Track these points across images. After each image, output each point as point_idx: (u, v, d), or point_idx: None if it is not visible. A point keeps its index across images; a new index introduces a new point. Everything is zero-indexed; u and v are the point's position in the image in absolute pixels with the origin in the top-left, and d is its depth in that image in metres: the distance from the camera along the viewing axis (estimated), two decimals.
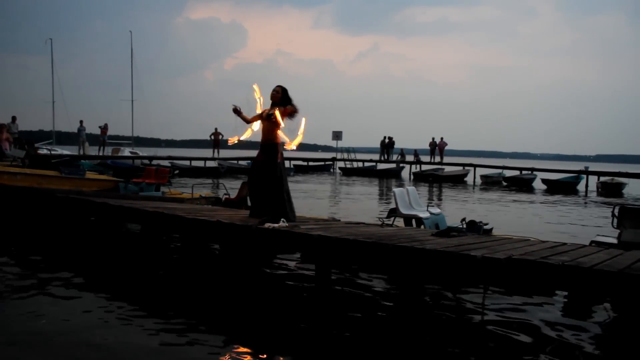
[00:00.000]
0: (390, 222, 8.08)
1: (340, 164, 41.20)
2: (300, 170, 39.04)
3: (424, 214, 8.35)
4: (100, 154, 31.23)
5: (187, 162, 32.88)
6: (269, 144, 7.08)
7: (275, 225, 6.00)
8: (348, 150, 43.28)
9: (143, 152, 35.03)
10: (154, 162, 29.95)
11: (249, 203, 9.58)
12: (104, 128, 32.26)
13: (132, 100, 39.71)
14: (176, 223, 6.88)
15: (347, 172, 38.73)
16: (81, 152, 29.96)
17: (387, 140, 40.85)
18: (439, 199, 21.74)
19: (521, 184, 31.96)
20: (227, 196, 10.85)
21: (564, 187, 30.14)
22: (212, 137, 33.06)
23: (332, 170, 41.82)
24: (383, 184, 30.47)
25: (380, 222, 7.26)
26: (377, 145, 41.89)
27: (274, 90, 7.14)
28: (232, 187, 21.60)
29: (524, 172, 34.75)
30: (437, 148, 39.52)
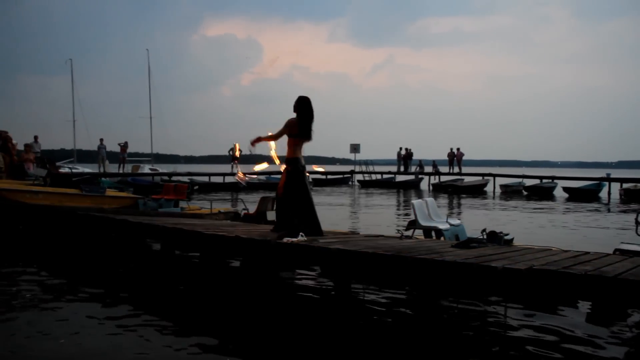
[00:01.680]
0: (410, 234, 8.02)
1: (359, 177, 41.15)
2: (319, 183, 39.03)
3: (443, 225, 8.28)
4: (121, 171, 31.59)
5: (206, 178, 33.14)
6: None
7: (294, 239, 5.99)
8: (366, 162, 43.25)
9: (162, 168, 35.39)
10: (173, 178, 30.23)
11: (270, 217, 9.65)
12: (124, 146, 32.66)
13: (151, 118, 40.23)
14: (195, 239, 6.91)
15: (366, 185, 38.72)
16: (101, 170, 30.32)
17: (404, 152, 40.81)
18: (458, 210, 21.58)
19: (542, 193, 31.60)
20: (245, 211, 10.88)
21: (585, 195, 29.76)
22: (231, 152, 33.26)
23: (350, 182, 41.73)
24: (401, 196, 30.36)
25: (399, 235, 7.19)
26: (396, 157, 41.82)
27: None
28: (251, 203, 21.68)
29: (544, 180, 34.41)
30: (455, 158, 39.29)
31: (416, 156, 41.61)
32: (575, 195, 29.75)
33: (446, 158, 39.50)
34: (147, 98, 40.85)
